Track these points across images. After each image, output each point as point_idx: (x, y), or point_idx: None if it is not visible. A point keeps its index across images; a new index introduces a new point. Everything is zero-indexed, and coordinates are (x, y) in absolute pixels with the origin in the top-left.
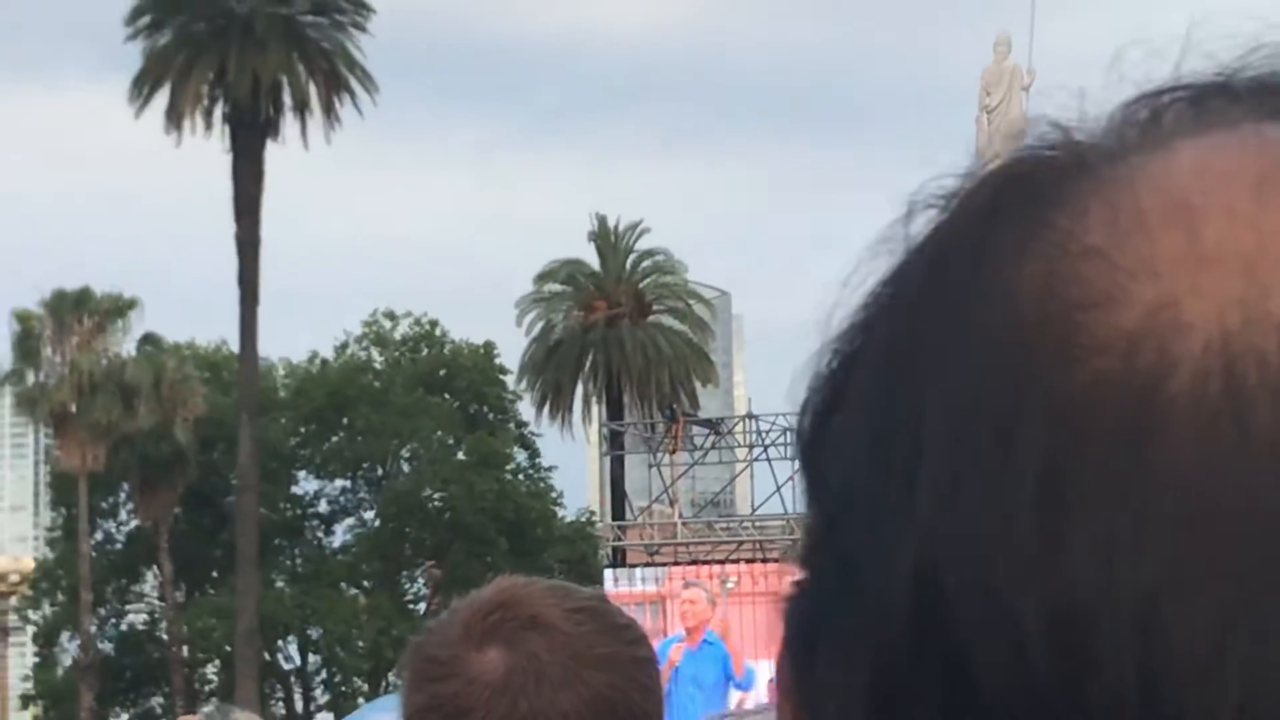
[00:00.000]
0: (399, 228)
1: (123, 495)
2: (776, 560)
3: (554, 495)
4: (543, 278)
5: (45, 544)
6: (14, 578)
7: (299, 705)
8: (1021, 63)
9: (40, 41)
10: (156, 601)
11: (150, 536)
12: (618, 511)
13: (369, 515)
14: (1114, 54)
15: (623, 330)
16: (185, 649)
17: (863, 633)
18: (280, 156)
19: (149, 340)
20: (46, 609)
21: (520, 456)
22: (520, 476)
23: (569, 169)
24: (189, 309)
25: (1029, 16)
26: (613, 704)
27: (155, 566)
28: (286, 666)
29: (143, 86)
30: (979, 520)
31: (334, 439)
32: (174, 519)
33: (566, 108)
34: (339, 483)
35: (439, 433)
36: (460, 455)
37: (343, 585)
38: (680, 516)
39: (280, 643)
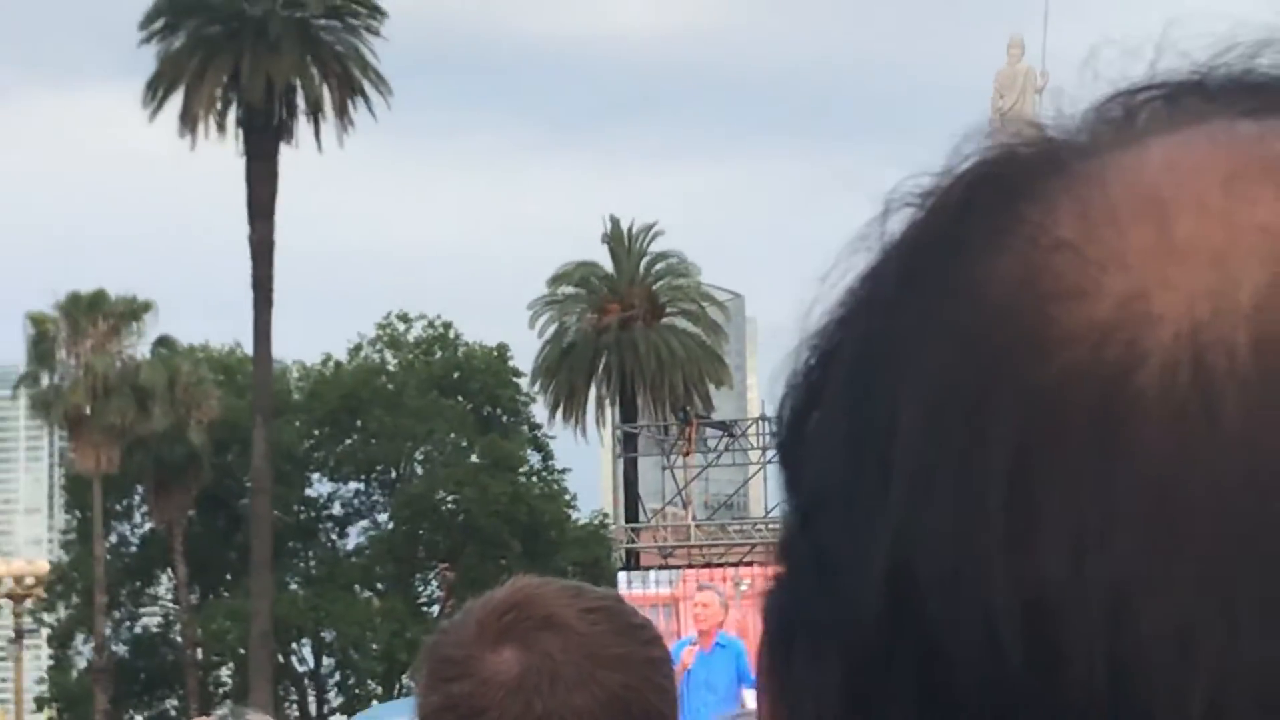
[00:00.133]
0: (412, 230)
1: (137, 498)
2: None
3: (567, 497)
4: (556, 280)
5: (60, 547)
6: (29, 580)
7: (313, 708)
8: (1035, 65)
9: (55, 45)
10: (171, 604)
11: (165, 539)
12: (631, 514)
13: (382, 518)
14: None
15: (636, 333)
16: (199, 651)
17: (837, 627)
18: (294, 159)
19: (163, 343)
20: (61, 612)
21: (534, 459)
22: (534, 479)
23: (582, 172)
24: (203, 312)
25: (1042, 18)
26: (627, 704)
27: (170, 569)
28: (300, 669)
29: (157, 89)
30: (951, 514)
31: (348, 441)
32: (188, 521)
33: (580, 111)
34: (353, 485)
35: (452, 435)
36: (474, 458)
37: (356, 588)
38: (694, 519)
39: (294, 645)
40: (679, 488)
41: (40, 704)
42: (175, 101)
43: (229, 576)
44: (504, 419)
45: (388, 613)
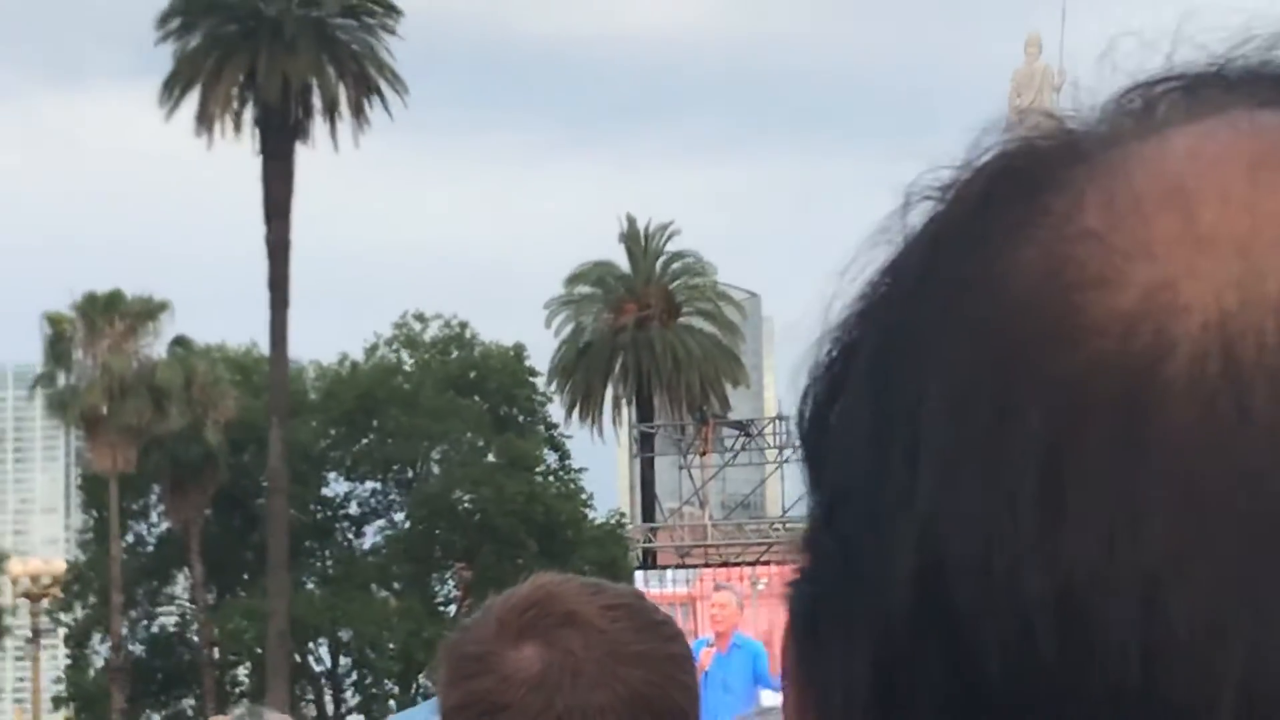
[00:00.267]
0: (428, 230)
1: (154, 497)
2: None
3: (584, 497)
4: (573, 280)
5: (77, 546)
6: (46, 580)
7: (330, 707)
8: (1052, 63)
9: (71, 45)
10: (187, 603)
11: (181, 539)
12: (648, 513)
13: (399, 517)
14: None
15: (653, 332)
16: (216, 651)
17: (865, 616)
18: (310, 159)
19: (180, 343)
20: (78, 611)
21: (550, 458)
22: (550, 478)
23: (598, 171)
24: (220, 311)
25: (1060, 17)
26: (649, 701)
27: (186, 568)
28: (317, 668)
29: (173, 89)
30: (980, 505)
31: (364, 441)
32: (205, 521)
33: (596, 110)
34: (369, 485)
35: (469, 435)
36: (490, 457)
37: (373, 587)
38: (711, 518)
39: (311, 645)
40: (696, 487)
41: (57, 703)
42: (191, 101)
43: (246, 576)
44: (520, 419)
45: (405, 612)
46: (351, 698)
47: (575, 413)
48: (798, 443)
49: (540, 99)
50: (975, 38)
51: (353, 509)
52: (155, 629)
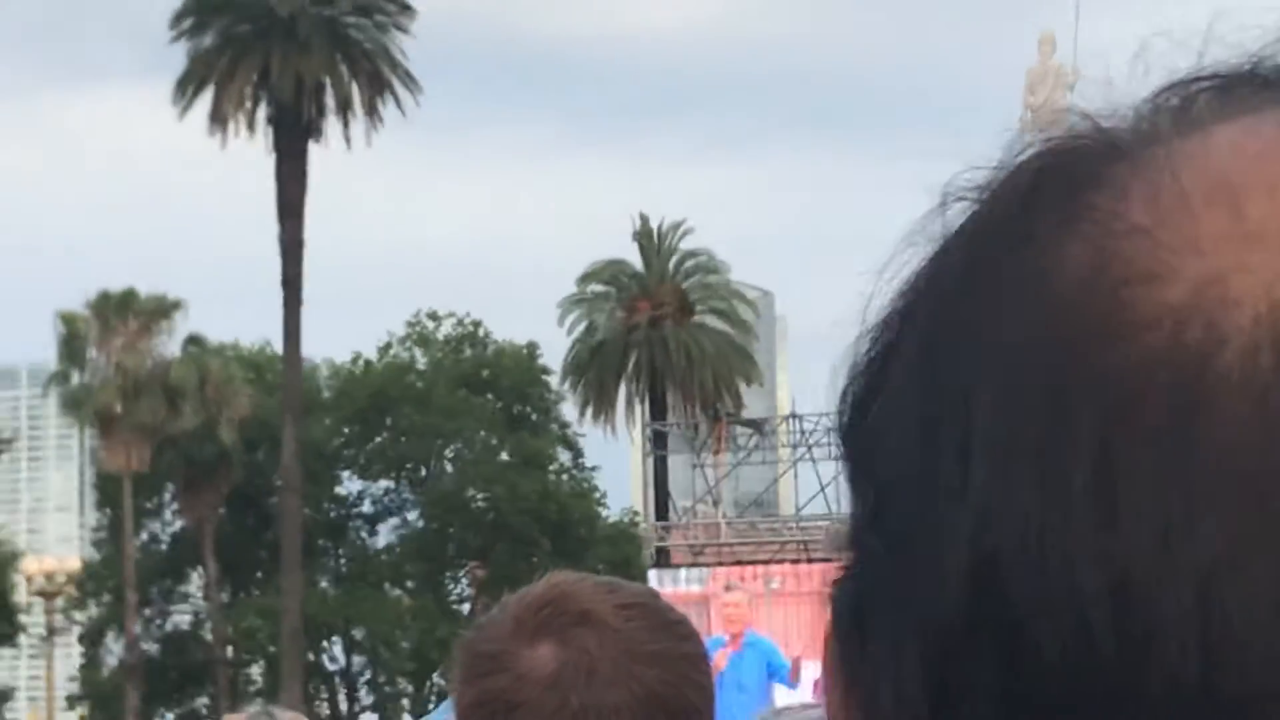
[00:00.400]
0: (442, 228)
1: (167, 496)
2: (821, 560)
3: (597, 496)
4: (586, 278)
5: (91, 545)
6: (60, 579)
7: (343, 706)
8: (1066, 61)
9: (84, 44)
10: (201, 602)
11: (195, 537)
12: (661, 512)
13: (412, 516)
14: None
15: (666, 330)
16: (230, 649)
17: (916, 614)
18: (323, 157)
19: (193, 341)
20: (93, 610)
21: (563, 457)
22: (563, 477)
23: (611, 169)
24: (233, 310)
25: (1074, 14)
26: (664, 700)
27: (200, 567)
28: (331, 667)
29: (186, 88)
30: (1033, 497)
31: (377, 439)
32: (218, 519)
33: (609, 107)
34: (382, 483)
35: (482, 433)
36: (503, 456)
37: (387, 586)
38: (724, 517)
39: (324, 643)
40: (709, 486)
41: (72, 702)
42: (205, 100)
43: (259, 575)
44: (534, 417)
45: (418, 611)
46: (365, 696)
47: (588, 411)
48: (825, 447)
49: (554, 97)
50: (987, 36)
51: (366, 507)
52: (169, 627)
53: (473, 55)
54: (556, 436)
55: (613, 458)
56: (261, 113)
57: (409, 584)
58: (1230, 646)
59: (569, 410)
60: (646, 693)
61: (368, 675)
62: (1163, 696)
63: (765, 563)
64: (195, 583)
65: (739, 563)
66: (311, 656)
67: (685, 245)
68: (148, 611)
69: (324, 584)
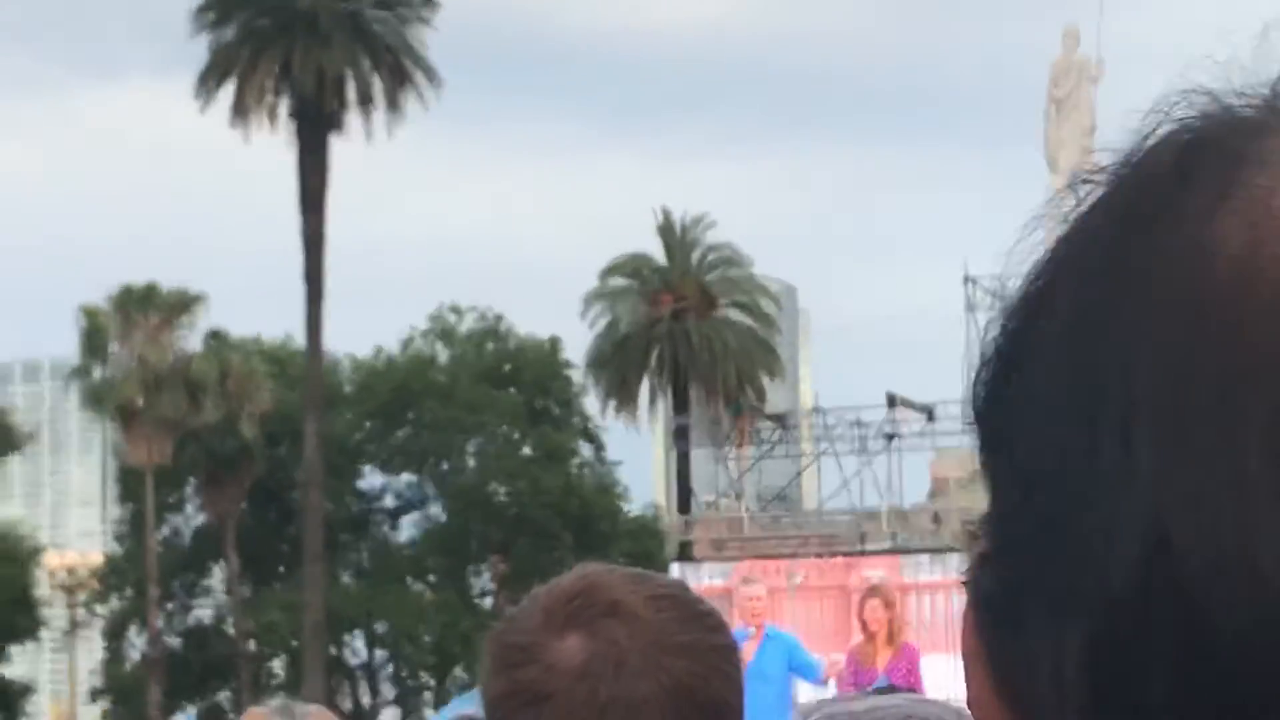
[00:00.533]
0: (464, 222)
1: (189, 490)
2: (844, 554)
3: (619, 490)
4: (609, 272)
5: (113, 539)
6: (82, 573)
7: (365, 700)
8: (1090, 55)
9: (105, 38)
10: (223, 596)
11: (217, 531)
12: (684, 506)
13: (435, 510)
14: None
15: (689, 324)
16: (252, 643)
17: (1081, 593)
18: (345, 150)
19: (215, 335)
20: (115, 603)
21: (586, 451)
22: (586, 471)
23: (634, 163)
24: (255, 304)
25: (1098, 9)
26: (693, 691)
27: (222, 561)
28: (353, 661)
29: (208, 81)
30: (1205, 481)
31: (399, 434)
32: (240, 514)
33: (633, 101)
34: (404, 477)
35: (504, 427)
36: (526, 450)
37: (409, 580)
38: (747, 511)
39: (346, 637)
40: (732, 480)
41: (94, 695)
42: (227, 94)
43: (281, 569)
44: (556, 411)
45: (440, 605)
46: (388, 690)
47: (611, 405)
48: (847, 441)
49: (575, 91)
50: (1012, 31)
51: (388, 502)
52: (191, 622)
53: (495, 48)
54: (579, 430)
55: (635, 452)
56: (283, 106)
57: (431, 578)
58: None
59: (591, 404)
60: (675, 684)
61: (390, 669)
62: None
63: (788, 557)
64: (217, 577)
65: (761, 557)
66: (333, 650)
67: (708, 239)
68: (170, 606)
69: (346, 578)
